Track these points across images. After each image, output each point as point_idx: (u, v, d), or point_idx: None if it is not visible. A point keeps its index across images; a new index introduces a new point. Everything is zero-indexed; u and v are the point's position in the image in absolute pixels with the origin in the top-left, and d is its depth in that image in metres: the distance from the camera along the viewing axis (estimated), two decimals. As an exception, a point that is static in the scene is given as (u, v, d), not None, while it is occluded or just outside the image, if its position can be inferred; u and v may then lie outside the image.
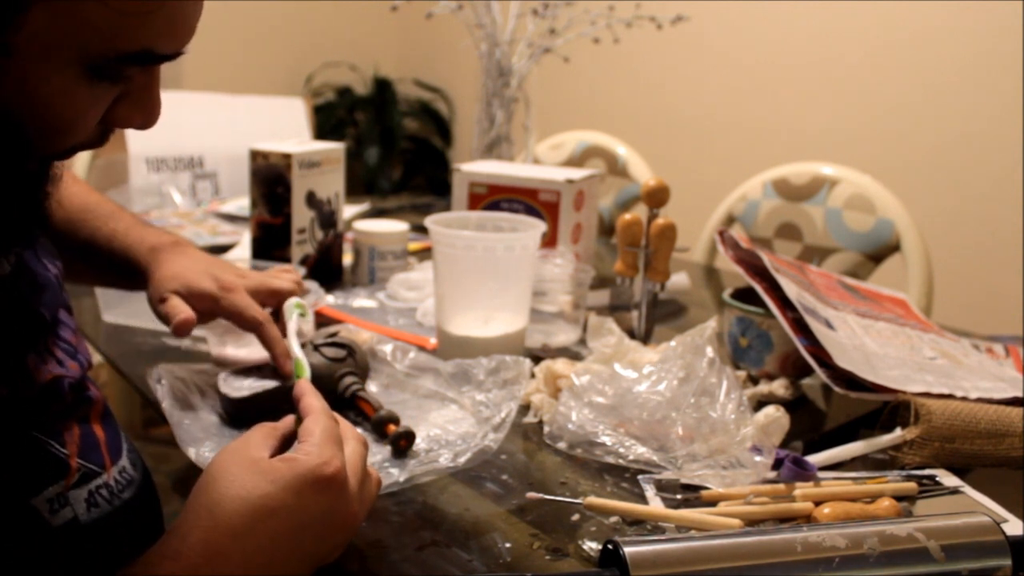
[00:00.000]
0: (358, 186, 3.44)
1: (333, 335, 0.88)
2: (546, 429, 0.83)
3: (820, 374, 0.86)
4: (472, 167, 1.34)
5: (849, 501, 0.70)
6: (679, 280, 1.33)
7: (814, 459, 0.76)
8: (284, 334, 0.85)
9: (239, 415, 0.81)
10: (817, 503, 0.70)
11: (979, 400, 0.85)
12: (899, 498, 0.72)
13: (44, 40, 0.45)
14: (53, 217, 0.56)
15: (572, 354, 1.01)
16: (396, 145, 3.63)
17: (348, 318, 1.13)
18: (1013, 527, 0.68)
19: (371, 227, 1.30)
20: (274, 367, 0.83)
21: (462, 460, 0.73)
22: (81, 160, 1.99)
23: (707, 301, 1.41)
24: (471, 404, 0.85)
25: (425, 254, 1.43)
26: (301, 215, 1.22)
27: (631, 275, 1.08)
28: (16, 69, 0.45)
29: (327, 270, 1.29)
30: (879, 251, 1.63)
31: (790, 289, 0.92)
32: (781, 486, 0.71)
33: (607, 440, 0.78)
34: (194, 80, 3.04)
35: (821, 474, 0.74)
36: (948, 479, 0.77)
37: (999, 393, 0.88)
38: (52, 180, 0.54)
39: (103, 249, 0.86)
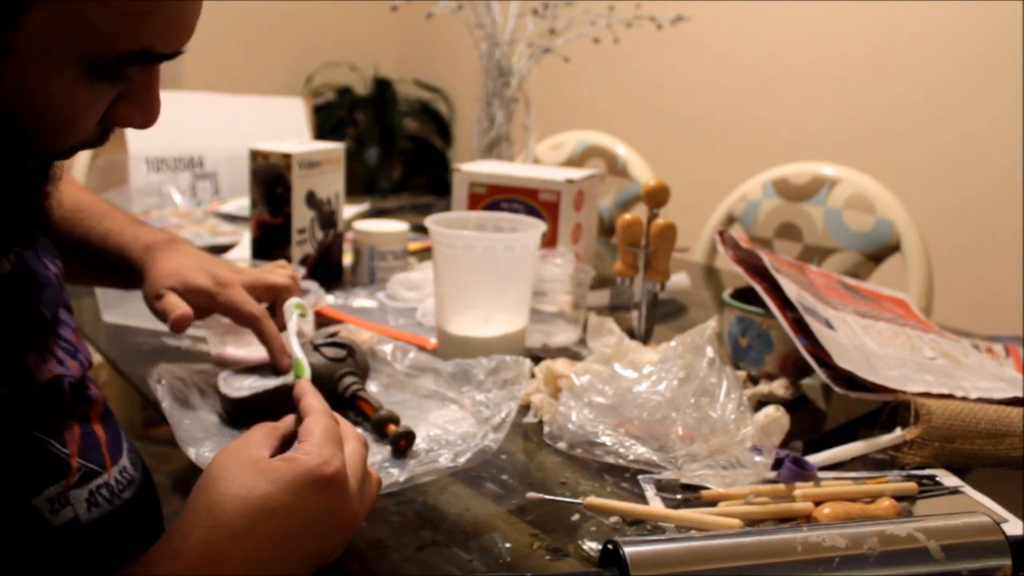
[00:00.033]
0: (358, 186, 3.44)
1: (333, 335, 0.88)
2: (546, 429, 0.83)
3: (820, 374, 0.86)
4: (472, 167, 1.34)
5: (849, 501, 0.70)
6: (679, 280, 1.33)
7: (814, 459, 0.76)
8: (282, 330, 0.86)
9: (239, 415, 0.81)
10: (817, 503, 0.70)
11: (979, 400, 0.85)
12: (899, 498, 0.72)
13: (44, 40, 0.45)
14: (52, 218, 0.56)
15: (572, 354, 1.01)
16: (396, 145, 3.63)
17: (348, 318, 1.13)
18: (1013, 527, 0.68)
19: (371, 227, 1.30)
20: (274, 367, 0.83)
21: (462, 460, 0.73)
22: (81, 160, 1.99)
23: (707, 301, 1.41)
24: (471, 404, 0.85)
25: (425, 254, 1.43)
26: (301, 215, 1.22)
27: (631, 275, 1.08)
28: (16, 69, 0.45)
29: (327, 270, 1.29)
30: (879, 251, 1.63)
31: (790, 289, 0.92)
32: (781, 486, 0.71)
33: (607, 440, 0.78)
34: (194, 80, 3.04)
35: (821, 474, 0.74)
36: (948, 479, 0.77)
37: (999, 393, 0.88)
38: (52, 180, 0.54)
39: (98, 248, 0.86)
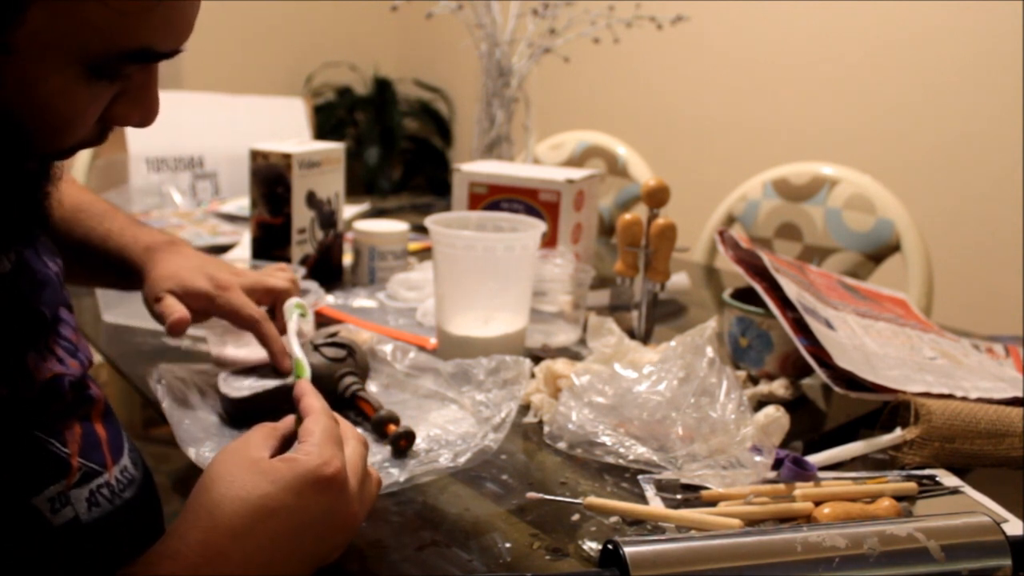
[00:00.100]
0: (358, 186, 3.44)
1: (333, 335, 0.88)
2: (546, 429, 0.83)
3: (820, 374, 0.86)
4: (472, 167, 1.34)
5: (849, 501, 0.70)
6: (679, 280, 1.33)
7: (814, 459, 0.76)
8: (282, 332, 0.86)
9: (239, 415, 0.81)
10: (817, 503, 0.70)
11: (979, 400, 0.85)
12: (899, 498, 0.72)
13: (43, 39, 0.45)
14: (52, 217, 0.56)
15: (572, 354, 1.01)
16: (396, 145, 3.63)
17: (348, 318, 1.13)
18: (1013, 527, 0.68)
19: (371, 227, 1.30)
20: (274, 367, 0.83)
21: (462, 460, 0.73)
22: (81, 160, 1.99)
23: (707, 301, 1.41)
24: (471, 404, 0.85)
25: (425, 254, 1.43)
26: (301, 215, 1.22)
27: (631, 275, 1.08)
28: (15, 68, 0.45)
29: (327, 270, 1.29)
30: (879, 251, 1.63)
31: (790, 289, 0.92)
32: (781, 486, 0.71)
33: (607, 440, 0.78)
34: (194, 80, 3.04)
35: (821, 474, 0.74)
36: (948, 479, 0.77)
37: (999, 393, 0.88)
38: (52, 179, 0.54)
39: (98, 249, 0.86)
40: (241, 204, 1.65)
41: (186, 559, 0.50)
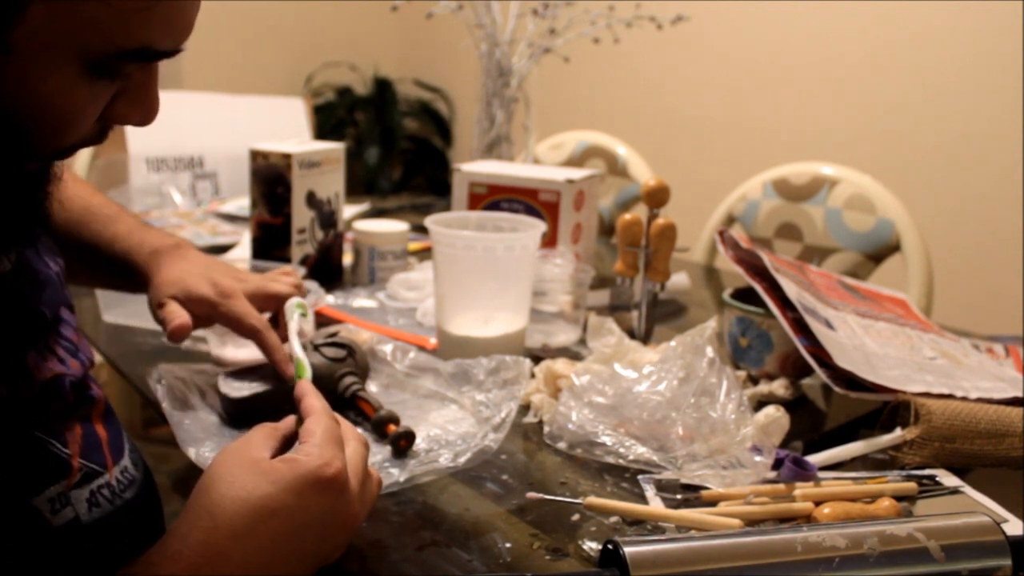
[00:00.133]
0: (358, 186, 3.44)
1: (333, 335, 0.88)
2: (546, 429, 0.83)
3: (820, 374, 0.86)
4: (472, 167, 1.34)
5: (849, 501, 0.70)
6: (679, 280, 1.33)
7: (814, 459, 0.76)
8: (284, 337, 0.85)
9: (239, 415, 0.81)
10: (817, 503, 0.70)
11: (979, 400, 0.85)
12: (899, 498, 0.72)
13: (43, 38, 0.45)
14: (55, 218, 0.56)
15: (572, 354, 1.01)
16: (396, 145, 3.63)
17: (348, 318, 1.13)
18: (1013, 527, 0.68)
19: (371, 227, 1.30)
20: (274, 367, 0.83)
21: (462, 460, 0.73)
22: (81, 160, 1.99)
23: (707, 301, 1.41)
24: (471, 404, 0.85)
25: (425, 254, 1.43)
26: (301, 215, 1.22)
27: (631, 275, 1.08)
28: (15, 67, 0.45)
29: (327, 270, 1.29)
30: (879, 251, 1.63)
31: (790, 289, 0.92)
32: (781, 486, 0.71)
33: (607, 440, 0.78)
34: (194, 80, 3.04)
35: (821, 474, 0.74)
36: (948, 479, 0.77)
37: (999, 393, 0.88)
38: (52, 179, 0.55)
39: (104, 252, 0.86)
40: (241, 204, 1.65)
41: (187, 559, 0.50)
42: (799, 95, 2.55)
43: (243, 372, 0.85)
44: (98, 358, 0.96)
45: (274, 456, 0.57)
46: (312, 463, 0.54)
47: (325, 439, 0.57)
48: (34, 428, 0.56)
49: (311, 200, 1.23)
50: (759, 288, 0.93)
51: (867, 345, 0.93)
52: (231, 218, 1.65)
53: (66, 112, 0.49)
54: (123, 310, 1.10)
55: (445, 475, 0.74)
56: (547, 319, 1.08)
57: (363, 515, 0.58)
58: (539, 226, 0.99)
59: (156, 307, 0.82)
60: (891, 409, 0.84)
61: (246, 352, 0.88)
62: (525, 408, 0.88)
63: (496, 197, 1.29)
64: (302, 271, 1.16)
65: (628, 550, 0.52)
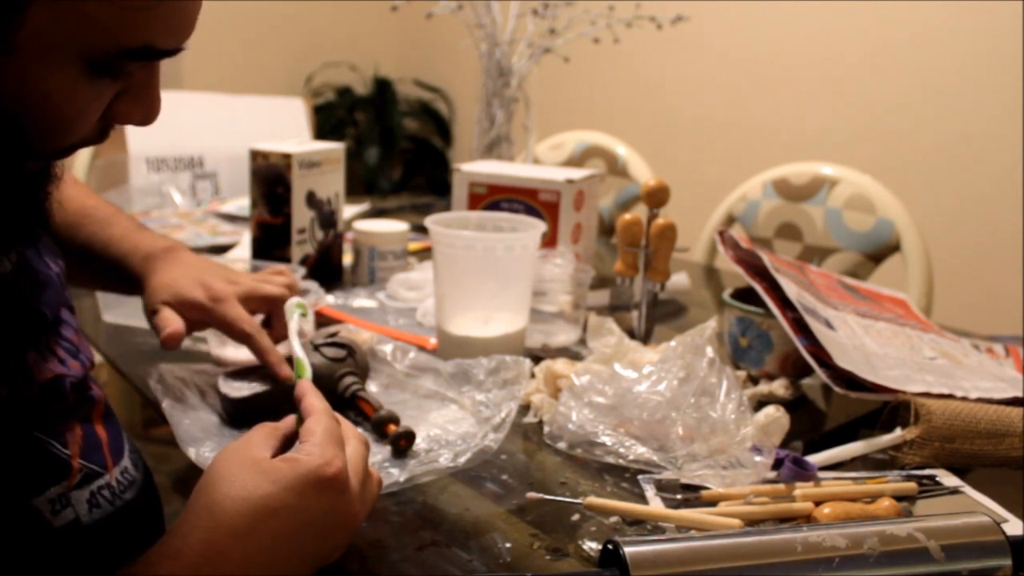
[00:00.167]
0: (358, 186, 3.44)
1: (333, 335, 0.88)
2: (546, 429, 0.83)
3: (820, 374, 0.86)
4: (472, 167, 1.34)
5: (849, 501, 0.70)
6: (679, 280, 1.33)
7: (814, 459, 0.76)
8: (279, 338, 0.86)
9: (239, 415, 0.81)
10: (817, 503, 0.70)
11: (979, 400, 0.85)
12: (899, 498, 0.72)
13: (45, 37, 0.45)
14: (54, 218, 0.56)
15: (572, 354, 1.01)
16: (396, 145, 3.63)
17: (348, 318, 1.13)
18: (1013, 527, 0.68)
19: (371, 227, 1.30)
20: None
21: (462, 460, 0.73)
22: (81, 160, 1.99)
23: (707, 301, 1.41)
24: (471, 404, 0.85)
25: (425, 254, 1.43)
26: (301, 215, 1.22)
27: (631, 275, 1.08)
28: (17, 66, 0.45)
29: (327, 270, 1.29)
30: (879, 251, 1.63)
31: (790, 289, 0.92)
32: (781, 486, 0.71)
33: (607, 440, 0.78)
34: (194, 80, 3.05)
35: (821, 474, 0.74)
36: (948, 479, 0.77)
37: (999, 393, 0.88)
38: (53, 179, 0.54)
39: (99, 255, 0.86)
40: (241, 204, 1.65)
41: (187, 559, 0.50)
42: (799, 95, 2.55)
43: (243, 372, 0.85)
44: (98, 358, 0.96)
45: (274, 456, 0.57)
46: (313, 462, 0.54)
47: (326, 438, 0.57)
48: (34, 429, 0.56)
49: (311, 200, 1.24)
50: (759, 288, 0.93)
51: (867, 345, 0.93)
52: (231, 218, 1.65)
53: (68, 111, 0.49)
54: (123, 310, 1.10)
55: (445, 475, 0.74)
56: (547, 319, 1.08)
57: (363, 515, 0.58)
58: (539, 226, 0.99)
59: (150, 313, 0.82)
60: (891, 409, 0.84)
61: (246, 352, 0.88)
62: (525, 408, 0.88)
63: (496, 197, 1.29)
64: (302, 271, 1.16)
65: (628, 550, 0.52)
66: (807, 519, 0.68)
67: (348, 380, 0.83)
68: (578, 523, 0.68)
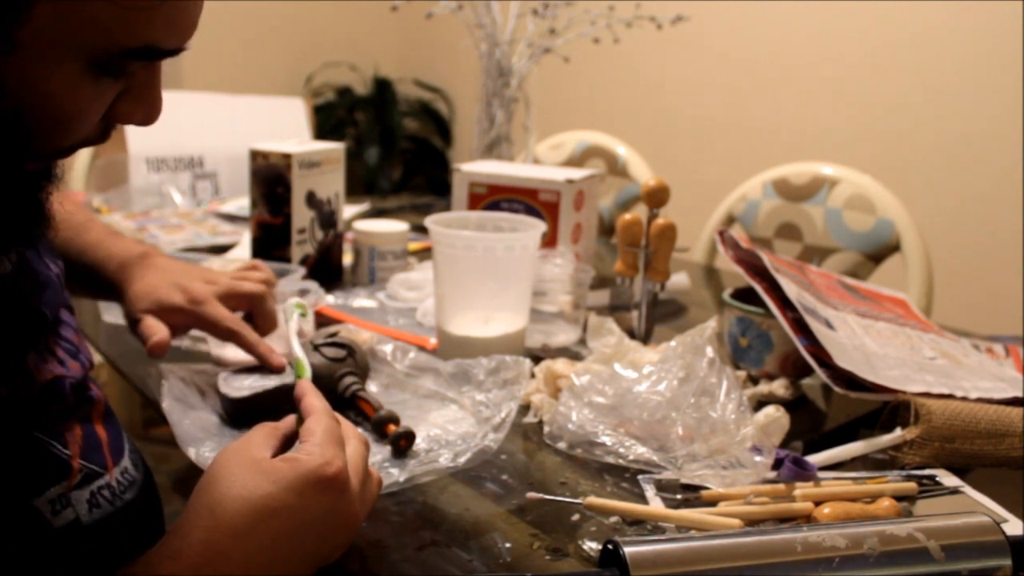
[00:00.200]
0: (358, 186, 3.44)
1: (333, 335, 0.88)
2: (546, 429, 0.83)
3: (820, 374, 0.86)
4: (472, 167, 1.34)
5: (849, 501, 0.70)
6: (679, 280, 1.33)
7: (814, 459, 0.76)
8: (263, 334, 0.86)
9: (239, 415, 0.81)
10: (817, 503, 0.70)
11: (979, 400, 0.85)
12: (899, 498, 0.72)
13: (48, 36, 0.45)
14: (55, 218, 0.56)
15: (572, 354, 1.01)
16: (396, 145, 3.63)
17: (348, 318, 1.13)
18: (1013, 527, 0.68)
19: (371, 227, 1.30)
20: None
21: (462, 460, 0.73)
22: (81, 160, 1.99)
23: (707, 301, 1.41)
24: (471, 404, 0.85)
25: (425, 254, 1.43)
26: (301, 215, 1.22)
27: (631, 275, 1.08)
28: (19, 65, 0.45)
29: (327, 270, 1.29)
30: (879, 251, 1.63)
31: (790, 289, 0.92)
32: (781, 486, 0.71)
33: (607, 440, 0.78)
34: (194, 80, 3.05)
35: (821, 474, 0.74)
36: (948, 479, 0.77)
37: (999, 393, 0.88)
38: (53, 179, 0.54)
39: (74, 261, 0.86)
40: (241, 204, 1.65)
41: (187, 559, 0.50)
42: (799, 95, 2.55)
43: (243, 372, 0.85)
44: (98, 358, 0.96)
45: (275, 455, 0.57)
46: (313, 462, 0.54)
47: (326, 438, 0.57)
48: (34, 429, 0.56)
49: (311, 200, 1.24)
50: (759, 288, 0.93)
51: (867, 345, 0.93)
52: (231, 218, 1.65)
53: (69, 110, 0.49)
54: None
55: (445, 475, 0.74)
56: (547, 319, 1.08)
57: (363, 515, 0.58)
58: (539, 226, 0.99)
59: (132, 323, 0.83)
60: (891, 409, 0.84)
61: (246, 352, 0.88)
62: (525, 408, 0.88)
63: (496, 197, 1.29)
64: (302, 271, 1.16)
65: (628, 550, 0.52)
66: (807, 519, 0.68)
67: (348, 380, 0.83)
68: (578, 523, 0.68)
